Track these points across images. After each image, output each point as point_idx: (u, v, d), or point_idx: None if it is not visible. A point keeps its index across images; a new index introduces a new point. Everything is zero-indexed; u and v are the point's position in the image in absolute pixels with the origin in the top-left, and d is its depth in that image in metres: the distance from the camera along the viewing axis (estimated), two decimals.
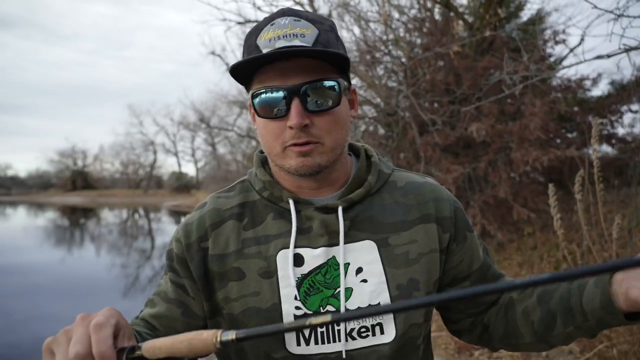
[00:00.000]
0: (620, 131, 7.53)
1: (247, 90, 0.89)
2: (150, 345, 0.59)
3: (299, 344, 0.86)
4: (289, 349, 0.86)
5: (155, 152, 52.36)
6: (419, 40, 8.41)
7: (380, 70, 8.61)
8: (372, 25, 8.46)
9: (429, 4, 8.37)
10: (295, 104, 0.81)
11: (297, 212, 0.90)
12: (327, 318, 0.49)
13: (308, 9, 9.84)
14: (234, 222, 0.92)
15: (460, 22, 7.77)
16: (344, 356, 0.86)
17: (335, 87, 0.84)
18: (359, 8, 8.52)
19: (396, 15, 8.34)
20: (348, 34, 8.72)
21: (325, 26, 0.85)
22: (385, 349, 0.87)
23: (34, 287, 8.44)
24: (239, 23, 10.15)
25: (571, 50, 5.59)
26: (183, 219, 0.99)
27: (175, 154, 50.06)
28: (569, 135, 7.70)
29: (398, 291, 0.89)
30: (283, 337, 0.86)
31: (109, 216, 27.63)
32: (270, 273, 0.88)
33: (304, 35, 0.81)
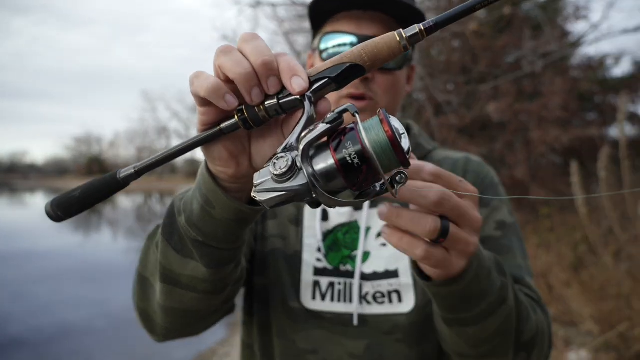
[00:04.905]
0: None
1: (315, 35, 0.91)
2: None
3: (314, 297, 0.86)
4: (302, 302, 0.86)
5: (168, 138, 52.82)
6: None
7: None
8: None
9: None
10: None
11: None
12: None
13: None
14: None
15: None
16: (355, 322, 0.83)
17: None
18: None
19: None
20: None
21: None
22: (402, 319, 0.83)
23: (54, 272, 8.60)
24: (252, 6, 10.02)
25: (594, 27, 5.42)
26: None
27: None
28: (588, 115, 7.53)
29: None
30: (299, 289, 0.87)
31: (124, 202, 27.97)
32: (298, 221, 0.92)
33: None
